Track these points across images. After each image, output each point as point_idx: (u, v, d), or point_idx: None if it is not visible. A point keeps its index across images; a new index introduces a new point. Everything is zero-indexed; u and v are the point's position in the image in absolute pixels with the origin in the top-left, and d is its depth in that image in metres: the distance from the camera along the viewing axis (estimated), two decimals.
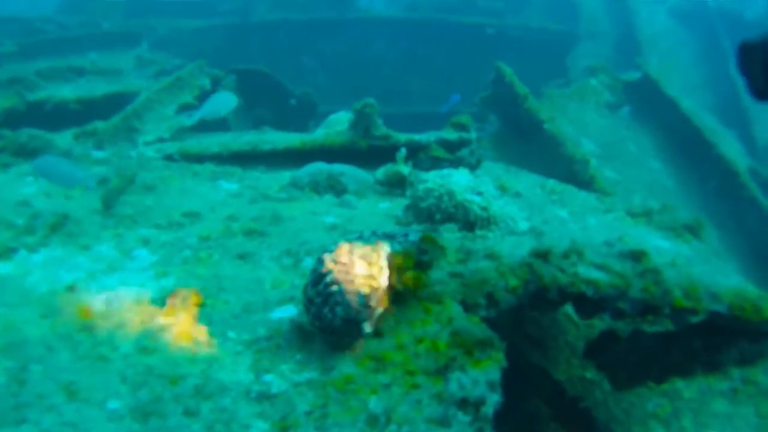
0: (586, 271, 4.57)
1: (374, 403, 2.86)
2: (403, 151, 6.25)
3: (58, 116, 7.35)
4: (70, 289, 3.86)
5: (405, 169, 6.20)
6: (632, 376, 5.42)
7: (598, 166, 8.89)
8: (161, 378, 3.06)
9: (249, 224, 4.76)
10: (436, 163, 7.23)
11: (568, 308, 4.89)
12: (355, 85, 12.76)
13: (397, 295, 3.60)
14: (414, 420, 2.79)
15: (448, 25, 13.88)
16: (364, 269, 3.28)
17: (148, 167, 6.23)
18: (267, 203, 5.48)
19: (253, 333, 3.39)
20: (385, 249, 3.51)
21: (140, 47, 10.09)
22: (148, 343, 3.31)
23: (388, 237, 3.88)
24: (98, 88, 7.90)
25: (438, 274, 4.17)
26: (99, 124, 6.68)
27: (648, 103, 10.67)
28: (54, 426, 2.79)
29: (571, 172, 8.39)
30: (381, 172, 6.26)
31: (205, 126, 8.09)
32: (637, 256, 4.90)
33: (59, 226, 4.56)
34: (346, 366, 3.12)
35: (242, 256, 4.25)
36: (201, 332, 3.38)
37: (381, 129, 7.08)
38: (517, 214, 5.58)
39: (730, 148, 10.20)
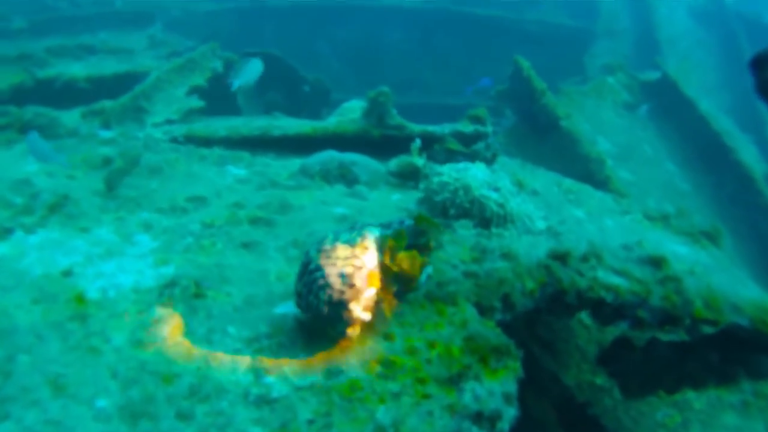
0: (605, 276, 4.31)
1: (382, 414, 2.61)
2: (418, 141, 5.98)
3: (67, 94, 7.10)
4: (66, 273, 3.62)
5: (419, 160, 5.93)
6: (644, 385, 5.18)
7: (613, 166, 8.64)
8: (154, 375, 2.81)
9: (255, 212, 4.50)
10: (450, 156, 6.95)
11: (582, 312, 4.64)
12: (368, 73, 12.45)
13: (398, 281, 3.33)
14: None
15: (465, 16, 13.53)
16: (347, 252, 3.06)
17: (155, 149, 5.97)
18: (275, 191, 5.22)
19: (255, 329, 3.14)
20: (373, 232, 3.26)
21: (153, 28, 9.82)
22: (143, 336, 3.07)
23: (384, 225, 3.63)
24: (108, 66, 7.64)
25: (452, 273, 3.92)
26: (107, 104, 6.42)
27: (666, 103, 10.34)
28: (37, 424, 2.56)
29: (587, 171, 8.14)
30: (394, 162, 5.99)
31: (215, 110, 7.83)
32: (657, 262, 4.64)
33: (58, 207, 4.31)
34: (353, 370, 2.87)
35: (247, 246, 3.99)
36: (199, 326, 3.14)
37: (395, 118, 6.79)
38: (534, 213, 5.32)
39: (747, 152, 9.87)
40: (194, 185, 5.20)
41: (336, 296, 2.92)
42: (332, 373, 2.84)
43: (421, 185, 5.70)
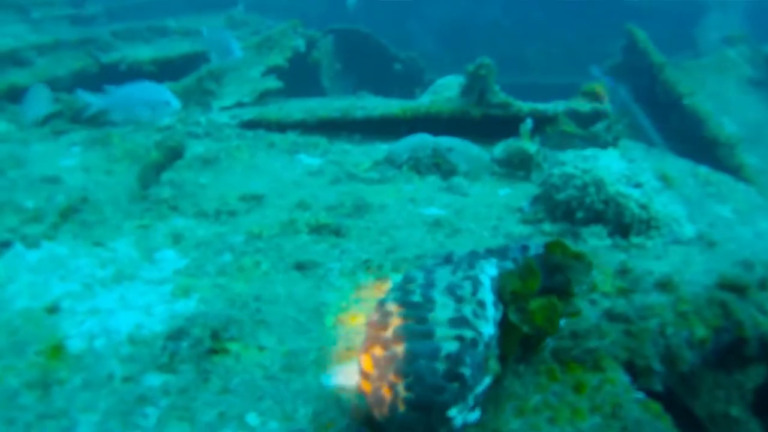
0: None
1: None
2: (529, 122, 4.55)
3: (132, 78, 6.15)
4: (51, 309, 2.50)
5: (531, 146, 4.49)
6: None
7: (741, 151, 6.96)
8: None
9: (321, 216, 3.24)
10: (566, 140, 5.50)
11: None
12: (465, 52, 11.02)
13: (525, 343, 2.02)
14: None
15: None
16: (448, 311, 1.74)
17: (218, 136, 4.86)
18: (352, 185, 3.95)
19: (291, 418, 1.87)
20: (487, 271, 1.94)
21: (235, 9, 8.82)
22: (119, 429, 1.88)
23: (497, 253, 2.27)
24: (178, 48, 6.65)
25: (590, 313, 2.54)
26: (169, 86, 5.36)
27: None
28: None
29: (714, 158, 6.51)
30: (500, 148, 4.58)
31: (296, 91, 6.68)
32: None
33: (72, 213, 3.23)
34: None
35: (302, 267, 2.73)
36: (205, 409, 1.90)
37: (499, 95, 5.38)
38: (682, 215, 3.81)
39: None
40: (254, 179, 4.02)
41: (425, 397, 1.59)
42: None
43: (534, 177, 4.30)
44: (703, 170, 5.36)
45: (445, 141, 4.51)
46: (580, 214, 3.56)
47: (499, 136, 4.73)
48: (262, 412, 1.87)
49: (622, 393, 2.18)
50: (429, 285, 1.87)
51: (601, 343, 2.42)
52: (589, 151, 3.99)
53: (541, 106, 5.53)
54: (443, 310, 1.77)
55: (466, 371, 1.63)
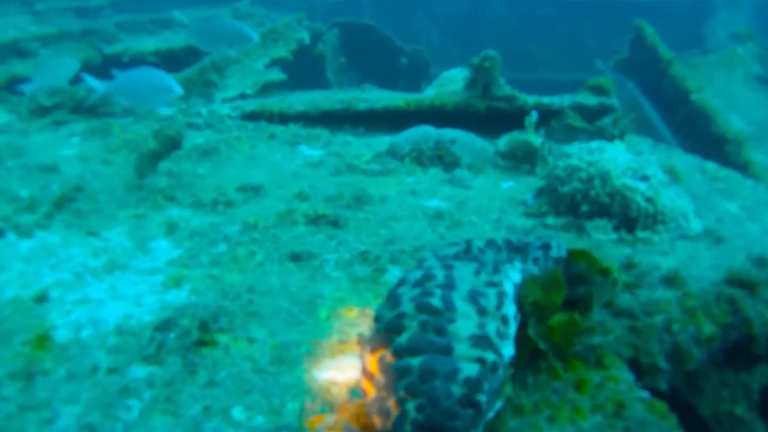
0: None
1: None
2: (534, 115, 4.45)
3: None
4: (40, 298, 2.43)
5: (536, 139, 4.40)
6: None
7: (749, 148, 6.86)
8: None
9: (319, 207, 3.16)
10: (571, 134, 5.41)
11: None
12: (471, 47, 10.93)
13: (532, 354, 1.93)
14: None
15: None
16: (470, 326, 1.63)
17: (218, 127, 4.78)
18: (352, 177, 3.87)
19: (278, 414, 1.79)
20: (512, 276, 1.83)
21: (241, 2, 8.73)
22: (99, 422, 1.80)
23: (516, 249, 2.16)
24: (181, 40, 6.57)
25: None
26: None
27: None
28: None
29: (722, 154, 6.40)
30: (504, 141, 4.48)
31: (300, 84, 6.60)
32: None
33: (67, 202, 3.16)
34: None
35: (297, 258, 2.65)
36: (189, 402, 1.82)
37: (504, 88, 5.29)
38: (689, 210, 3.71)
39: None
40: (254, 170, 3.94)
41: (436, 421, 1.48)
42: None
43: (539, 170, 4.20)
44: (711, 166, 5.26)
45: (449, 133, 4.41)
46: (584, 208, 3.46)
47: (505, 130, 4.64)
48: (249, 407, 1.79)
49: (626, 391, 2.09)
50: (450, 286, 1.73)
51: (604, 340, 2.32)
52: (594, 144, 3.88)
53: (546, 100, 5.44)
54: (465, 322, 1.64)
55: (483, 398, 1.51)
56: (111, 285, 2.49)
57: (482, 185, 4.01)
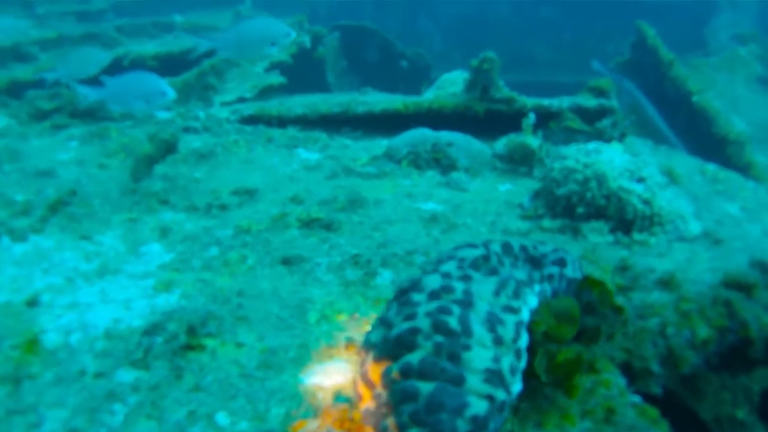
0: None
1: None
2: (532, 117, 4.43)
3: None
4: (31, 302, 2.44)
5: (533, 140, 4.38)
6: None
7: (751, 149, 6.81)
8: None
9: (313, 211, 3.16)
10: (570, 136, 5.39)
11: None
12: (474, 49, 10.91)
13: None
14: None
15: None
16: (485, 357, 1.59)
17: (216, 131, 4.79)
18: (348, 180, 3.87)
19: (263, 419, 1.79)
20: (527, 302, 1.79)
21: (242, 5, 8.75)
22: (84, 426, 1.80)
23: (531, 260, 2.10)
24: (180, 43, 6.59)
25: None
26: (168, 81, 5.30)
27: None
28: None
29: (723, 156, 6.38)
30: (502, 143, 4.47)
31: (300, 87, 6.60)
32: None
33: (61, 206, 3.17)
34: None
35: (288, 262, 2.65)
36: (174, 407, 1.82)
37: (502, 90, 5.27)
38: (687, 212, 3.69)
39: None
40: (250, 174, 3.94)
41: None
42: None
43: (537, 172, 4.19)
44: (711, 167, 5.22)
45: (446, 136, 4.41)
46: (580, 210, 3.45)
47: (504, 132, 4.62)
48: (233, 412, 1.78)
49: (617, 396, 2.07)
50: (468, 304, 1.67)
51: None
52: (591, 145, 3.86)
53: (545, 102, 5.42)
54: (480, 351, 1.59)
55: None
56: (102, 289, 2.50)
57: (479, 188, 3.99)
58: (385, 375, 1.58)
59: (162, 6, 8.22)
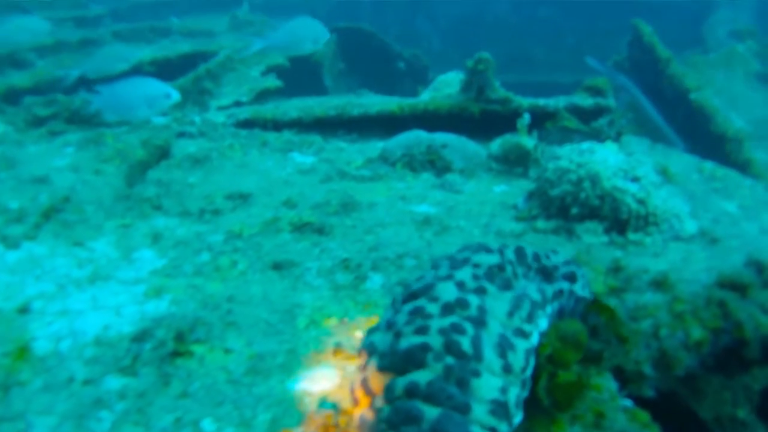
0: None
1: None
2: (527, 117, 4.42)
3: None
4: (22, 310, 2.45)
5: (528, 141, 4.37)
6: None
7: (750, 147, 6.79)
8: None
9: (305, 215, 3.16)
10: (566, 136, 5.38)
11: None
12: (472, 49, 10.91)
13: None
14: None
15: None
16: (495, 385, 1.58)
17: (212, 135, 4.80)
18: (342, 183, 3.87)
19: (248, 425, 1.79)
20: (539, 326, 1.77)
21: (240, 9, 8.76)
22: None
23: (543, 271, 2.05)
24: (177, 48, 6.60)
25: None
26: None
27: None
28: None
29: (722, 153, 6.36)
30: (497, 144, 4.46)
31: (297, 90, 6.61)
32: None
33: (54, 213, 3.18)
34: None
35: (279, 267, 2.65)
36: (161, 414, 1.83)
37: (498, 91, 5.26)
38: (683, 210, 3.67)
39: None
40: (244, 178, 3.95)
41: None
42: None
43: (532, 173, 4.18)
44: (709, 165, 5.20)
45: (440, 137, 4.41)
46: (574, 210, 3.44)
47: (500, 133, 4.62)
48: (219, 418, 1.79)
49: (608, 401, 2.06)
50: (481, 323, 1.64)
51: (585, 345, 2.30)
52: (585, 145, 3.85)
53: (541, 102, 5.41)
54: (489, 379, 1.56)
55: None
56: (93, 296, 2.51)
57: (474, 189, 3.99)
58: (389, 389, 1.54)
59: (159, 11, 8.23)
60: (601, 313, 2.03)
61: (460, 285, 1.74)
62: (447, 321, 1.62)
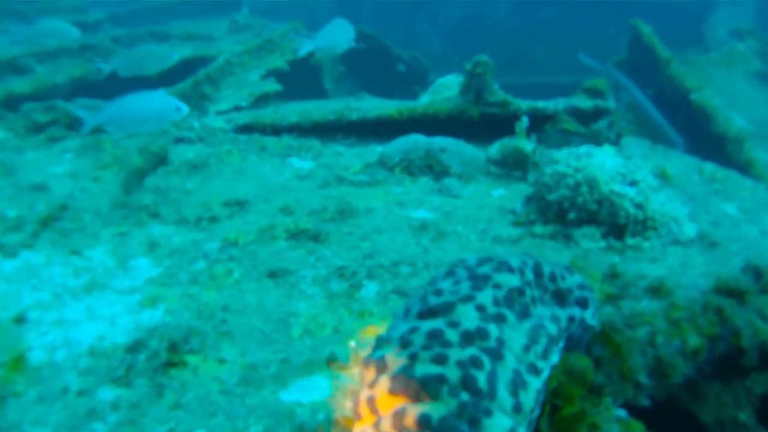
0: None
1: None
2: (525, 120, 4.41)
3: (133, 84, 6.13)
4: (18, 319, 2.47)
5: (527, 144, 4.37)
6: None
7: (751, 146, 6.75)
8: None
9: (302, 222, 3.17)
10: (566, 138, 5.37)
11: None
12: (472, 51, 10.92)
13: None
14: None
15: None
16: (504, 425, 1.56)
17: (210, 141, 4.82)
18: (339, 188, 3.88)
19: None
20: (550, 363, 1.76)
21: (239, 13, 8.78)
22: None
23: (557, 294, 2.01)
24: (178, 52, 6.60)
25: None
26: (163, 91, 5.32)
27: None
28: None
29: (723, 154, 6.33)
30: (495, 148, 4.46)
31: (297, 93, 6.62)
32: None
33: (52, 222, 3.20)
34: None
35: (275, 275, 2.66)
36: (154, 425, 1.84)
37: (497, 94, 5.26)
38: (682, 214, 3.66)
39: None
40: (242, 184, 3.96)
41: None
42: None
43: (531, 176, 4.17)
44: (709, 167, 5.18)
45: (439, 141, 4.41)
46: (572, 215, 3.43)
47: (499, 136, 4.62)
48: (212, 429, 1.80)
49: (602, 411, 2.05)
50: (499, 356, 1.61)
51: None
52: (582, 149, 3.84)
53: (540, 104, 5.40)
54: (500, 419, 1.53)
55: None
56: (88, 305, 2.52)
57: (472, 194, 4.00)
58: (399, 416, 1.52)
59: (158, 16, 8.25)
60: (606, 346, 2.03)
61: (481, 309, 1.71)
62: (466, 353, 1.60)
